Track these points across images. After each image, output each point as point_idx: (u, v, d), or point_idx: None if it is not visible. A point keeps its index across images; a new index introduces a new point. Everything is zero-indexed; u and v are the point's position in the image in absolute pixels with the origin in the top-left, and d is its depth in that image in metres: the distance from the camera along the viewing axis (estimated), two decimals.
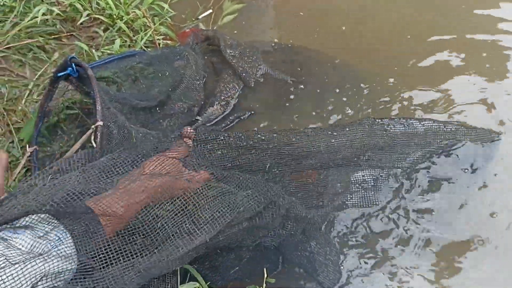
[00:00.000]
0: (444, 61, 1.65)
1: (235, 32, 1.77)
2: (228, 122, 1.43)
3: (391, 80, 1.58)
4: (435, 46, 1.69)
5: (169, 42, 1.66)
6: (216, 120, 1.44)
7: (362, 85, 1.57)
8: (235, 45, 1.54)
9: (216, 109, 1.40)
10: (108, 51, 1.47)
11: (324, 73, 1.61)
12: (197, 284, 0.87)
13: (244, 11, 1.88)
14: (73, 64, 1.09)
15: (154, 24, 1.63)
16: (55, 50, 1.51)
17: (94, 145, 0.92)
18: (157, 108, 1.29)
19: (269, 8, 1.97)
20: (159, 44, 1.60)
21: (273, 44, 1.71)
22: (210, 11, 1.84)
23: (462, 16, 1.79)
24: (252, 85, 1.52)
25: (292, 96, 1.54)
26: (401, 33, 1.74)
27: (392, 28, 1.76)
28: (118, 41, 1.48)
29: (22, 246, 0.64)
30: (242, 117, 1.45)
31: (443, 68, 1.63)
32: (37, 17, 1.48)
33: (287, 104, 1.52)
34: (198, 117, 1.38)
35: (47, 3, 1.56)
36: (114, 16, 1.58)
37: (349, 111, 1.49)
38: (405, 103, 1.52)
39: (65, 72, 1.09)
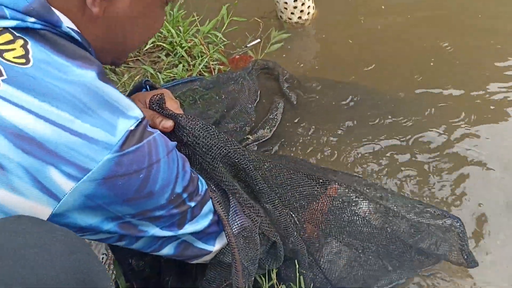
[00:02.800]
0: None
1: (284, 55, 1.93)
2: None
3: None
4: None
5: (221, 67, 1.82)
6: (263, 140, 1.58)
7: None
8: (292, 80, 1.69)
9: (265, 132, 1.54)
10: (171, 74, 1.65)
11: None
12: None
13: (289, 40, 2.03)
14: (147, 86, 1.26)
15: (209, 51, 1.81)
16: (124, 73, 1.70)
17: None
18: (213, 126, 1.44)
19: (311, 37, 2.11)
20: (213, 69, 1.77)
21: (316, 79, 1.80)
22: (258, 40, 2.00)
23: None
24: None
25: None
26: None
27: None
28: (180, 66, 1.66)
29: None
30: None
31: None
32: None
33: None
34: (248, 136, 1.52)
35: None
36: (175, 43, 1.77)
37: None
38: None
39: None
